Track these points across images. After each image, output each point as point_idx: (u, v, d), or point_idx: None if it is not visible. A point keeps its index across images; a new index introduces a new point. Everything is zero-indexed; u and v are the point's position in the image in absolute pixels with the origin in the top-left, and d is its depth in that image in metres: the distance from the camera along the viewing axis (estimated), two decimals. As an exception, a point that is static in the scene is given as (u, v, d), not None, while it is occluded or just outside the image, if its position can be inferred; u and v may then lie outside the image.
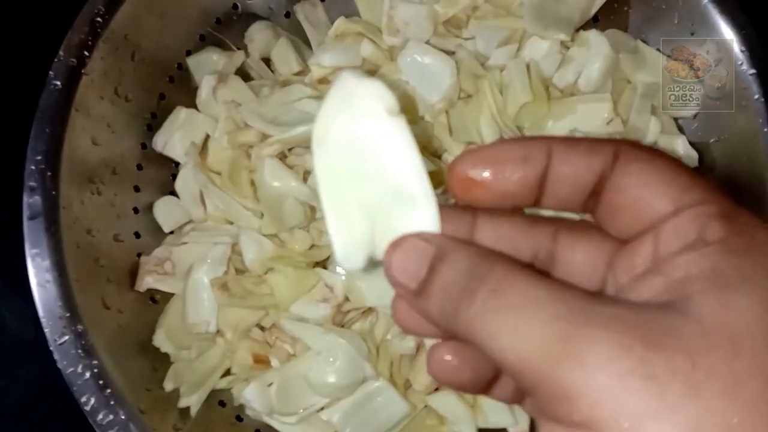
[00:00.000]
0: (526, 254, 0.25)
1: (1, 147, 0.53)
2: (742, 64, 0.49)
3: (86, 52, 0.49)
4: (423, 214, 0.25)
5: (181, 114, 0.55)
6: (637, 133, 0.52)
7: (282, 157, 0.51)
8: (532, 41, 0.54)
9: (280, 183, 0.49)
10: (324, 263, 0.52)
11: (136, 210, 0.54)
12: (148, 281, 0.52)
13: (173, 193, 0.55)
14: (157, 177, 0.56)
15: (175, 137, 0.54)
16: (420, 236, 0.24)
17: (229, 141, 0.53)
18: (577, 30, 0.54)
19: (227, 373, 0.53)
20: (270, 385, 0.49)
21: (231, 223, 0.53)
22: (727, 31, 0.49)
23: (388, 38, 0.54)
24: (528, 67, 0.52)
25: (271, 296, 0.50)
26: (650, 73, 0.54)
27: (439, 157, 0.53)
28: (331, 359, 0.48)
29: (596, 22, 0.56)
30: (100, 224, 0.50)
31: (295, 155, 0.51)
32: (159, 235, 0.55)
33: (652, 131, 0.52)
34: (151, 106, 0.55)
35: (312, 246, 0.51)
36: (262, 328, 0.52)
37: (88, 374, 0.45)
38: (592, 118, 0.52)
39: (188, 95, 0.56)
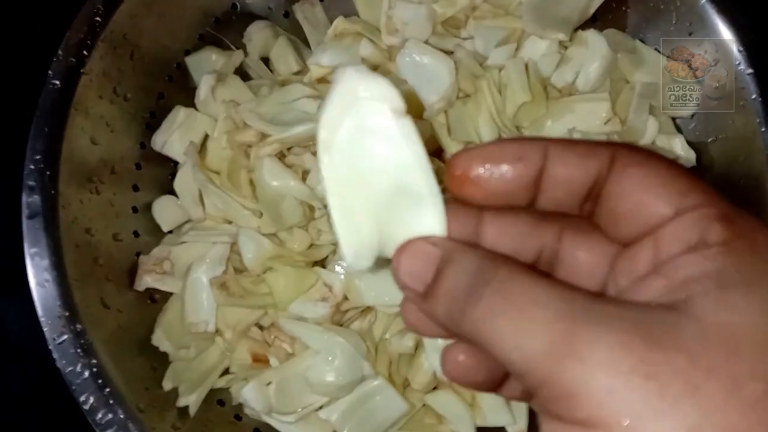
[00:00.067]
0: (531, 251, 0.26)
1: (1, 146, 0.53)
2: (740, 64, 0.49)
3: (85, 52, 0.49)
4: (430, 215, 0.25)
5: (180, 113, 0.55)
6: (635, 132, 0.52)
7: (281, 156, 0.51)
8: (530, 41, 0.54)
9: (278, 182, 0.49)
10: (323, 262, 0.52)
11: (135, 209, 0.54)
12: (147, 280, 0.52)
13: (172, 192, 0.55)
14: (156, 176, 0.56)
15: (173, 137, 0.54)
16: (427, 240, 0.25)
17: (228, 140, 0.53)
18: (576, 30, 0.54)
19: (226, 372, 0.53)
20: (269, 384, 0.49)
21: (230, 222, 0.53)
22: (726, 31, 0.49)
23: (386, 38, 0.54)
24: (526, 66, 0.53)
25: (269, 295, 0.50)
26: (648, 72, 0.54)
27: (438, 156, 0.53)
28: (330, 358, 0.48)
29: (595, 21, 0.56)
30: (99, 223, 0.50)
31: (293, 155, 0.51)
32: (158, 234, 0.55)
33: (650, 131, 0.53)
34: (150, 105, 0.55)
35: (311, 245, 0.51)
36: (261, 328, 0.52)
37: (86, 373, 0.45)
38: (590, 117, 0.52)
39: (187, 95, 0.56)
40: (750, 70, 0.49)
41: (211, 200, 0.53)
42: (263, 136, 0.51)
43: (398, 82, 0.52)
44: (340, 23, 0.56)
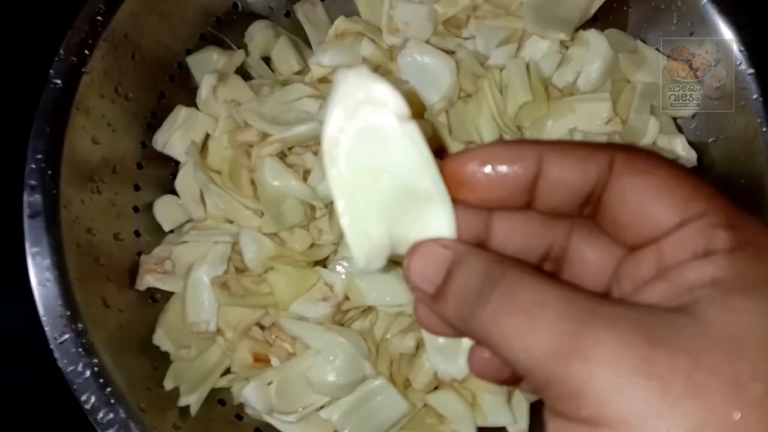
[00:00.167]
0: (541, 249, 0.26)
1: (2, 146, 0.53)
2: (740, 63, 0.49)
3: (87, 51, 0.49)
4: (440, 216, 0.25)
5: (181, 113, 0.55)
6: (636, 132, 0.52)
7: (282, 156, 0.51)
8: (531, 41, 0.54)
9: (280, 182, 0.50)
10: (324, 262, 0.52)
11: (136, 209, 0.54)
12: (148, 280, 0.52)
13: (173, 192, 0.55)
14: (157, 176, 0.56)
15: (175, 136, 0.54)
16: (438, 242, 0.25)
17: (229, 140, 0.53)
18: (577, 30, 0.54)
19: (227, 371, 0.53)
20: (270, 383, 0.49)
21: (231, 222, 0.53)
22: (726, 31, 0.50)
23: (388, 38, 0.54)
24: (527, 66, 0.53)
25: (270, 295, 0.50)
26: (649, 72, 0.54)
27: (440, 156, 0.53)
28: (331, 358, 0.48)
29: (596, 21, 0.56)
30: (101, 223, 0.50)
31: (295, 154, 0.51)
32: (159, 234, 0.55)
33: (651, 131, 0.53)
34: (151, 105, 0.55)
35: (312, 245, 0.51)
36: (262, 327, 0.52)
37: (88, 373, 0.45)
38: (591, 117, 0.52)
39: (188, 94, 0.56)
40: (751, 70, 0.49)
41: (213, 200, 0.53)
42: (264, 136, 0.51)
43: (399, 82, 0.52)
44: (341, 23, 0.56)
